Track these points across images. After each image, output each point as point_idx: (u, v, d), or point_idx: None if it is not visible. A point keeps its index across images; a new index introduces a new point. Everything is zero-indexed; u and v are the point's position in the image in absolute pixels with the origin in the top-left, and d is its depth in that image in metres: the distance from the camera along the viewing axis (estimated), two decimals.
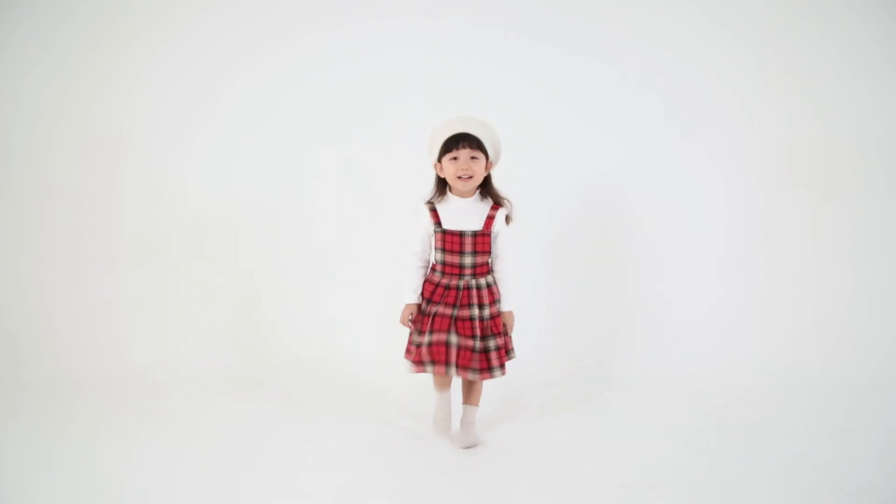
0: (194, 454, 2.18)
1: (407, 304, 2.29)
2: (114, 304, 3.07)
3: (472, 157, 2.20)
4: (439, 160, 2.25)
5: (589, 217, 3.06)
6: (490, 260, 2.30)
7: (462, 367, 2.19)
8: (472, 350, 2.20)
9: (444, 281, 2.25)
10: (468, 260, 2.24)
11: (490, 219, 2.25)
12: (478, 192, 2.28)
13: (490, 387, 2.38)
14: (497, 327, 2.27)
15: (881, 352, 2.90)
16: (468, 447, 2.25)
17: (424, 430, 2.37)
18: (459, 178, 2.21)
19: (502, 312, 2.30)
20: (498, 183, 2.33)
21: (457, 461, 2.15)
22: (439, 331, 2.21)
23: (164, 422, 2.45)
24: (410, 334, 2.31)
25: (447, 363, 2.18)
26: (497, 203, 2.28)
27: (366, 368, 2.91)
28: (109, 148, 3.07)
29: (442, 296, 2.24)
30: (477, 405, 2.33)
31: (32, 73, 3.04)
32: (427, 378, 2.36)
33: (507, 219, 2.28)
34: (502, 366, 2.25)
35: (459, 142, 2.20)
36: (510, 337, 2.34)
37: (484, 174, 2.25)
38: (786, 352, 2.93)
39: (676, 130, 3.03)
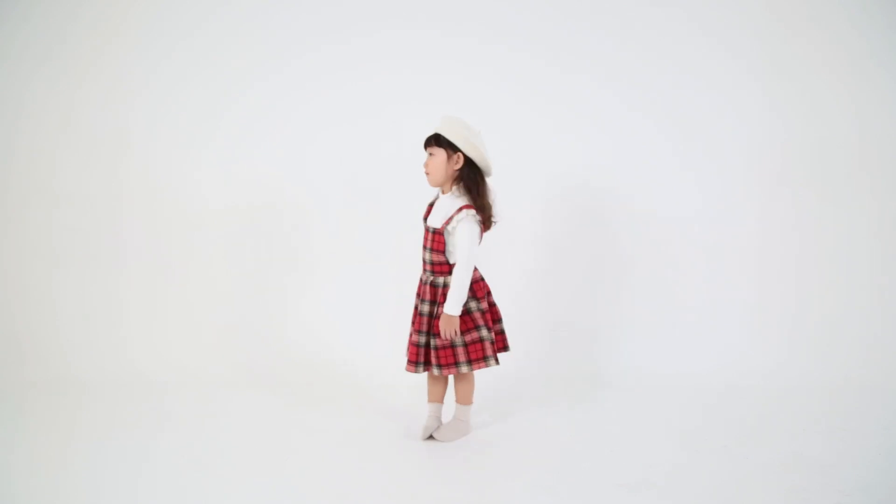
0: (196, 454, 2.18)
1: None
2: (118, 305, 3.08)
3: (430, 154, 2.22)
4: None
5: (586, 217, 3.06)
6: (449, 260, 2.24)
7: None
8: (417, 345, 2.23)
9: (423, 276, 2.28)
10: (427, 256, 2.26)
11: (450, 218, 2.19)
12: (454, 187, 2.23)
13: (487, 386, 2.37)
14: (437, 328, 2.22)
15: (879, 352, 2.89)
16: (443, 441, 2.25)
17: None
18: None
19: (440, 314, 2.20)
20: (496, 183, 2.31)
21: (455, 461, 2.15)
22: (416, 331, 2.25)
23: (166, 422, 2.45)
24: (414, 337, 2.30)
25: (416, 362, 2.23)
26: (467, 203, 2.19)
27: (368, 369, 2.91)
28: (114, 150, 3.08)
29: (421, 292, 2.28)
30: (466, 403, 2.32)
31: (38, 76, 3.05)
32: (423, 377, 2.39)
33: (490, 221, 2.21)
34: (440, 366, 2.20)
35: (426, 144, 2.24)
36: (504, 335, 2.33)
37: (444, 167, 2.20)
38: (783, 351, 2.92)
39: (672, 130, 3.03)
